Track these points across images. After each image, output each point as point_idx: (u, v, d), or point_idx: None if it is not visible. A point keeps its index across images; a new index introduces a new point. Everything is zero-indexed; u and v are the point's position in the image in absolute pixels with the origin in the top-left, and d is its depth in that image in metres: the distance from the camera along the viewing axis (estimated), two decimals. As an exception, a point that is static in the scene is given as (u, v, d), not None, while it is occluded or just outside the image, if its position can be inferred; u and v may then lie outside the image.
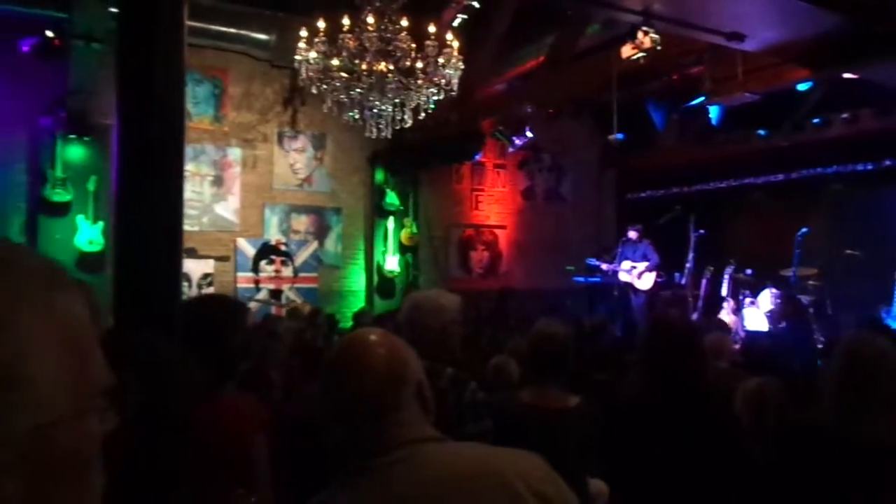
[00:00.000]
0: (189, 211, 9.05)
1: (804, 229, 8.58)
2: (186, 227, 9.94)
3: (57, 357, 0.47)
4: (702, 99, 7.16)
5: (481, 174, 11.51)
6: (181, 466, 1.47)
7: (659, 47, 4.73)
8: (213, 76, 9.24)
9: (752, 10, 4.41)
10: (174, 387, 1.33)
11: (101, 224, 8.02)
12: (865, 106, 8.23)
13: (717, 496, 2.44)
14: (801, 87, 8.00)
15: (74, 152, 8.12)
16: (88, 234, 8.02)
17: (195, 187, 9.00)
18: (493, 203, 11.64)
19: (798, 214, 9.27)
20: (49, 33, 6.80)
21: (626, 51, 4.91)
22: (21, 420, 0.44)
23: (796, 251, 8.55)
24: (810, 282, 8.70)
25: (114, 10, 6.00)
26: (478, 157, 10.27)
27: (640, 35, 4.69)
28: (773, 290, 8.78)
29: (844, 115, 8.51)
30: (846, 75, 6.72)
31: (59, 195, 7.97)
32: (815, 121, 8.80)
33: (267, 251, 9.44)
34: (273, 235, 9.61)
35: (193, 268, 8.88)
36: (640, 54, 4.81)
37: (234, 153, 9.45)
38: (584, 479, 2.88)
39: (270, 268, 9.42)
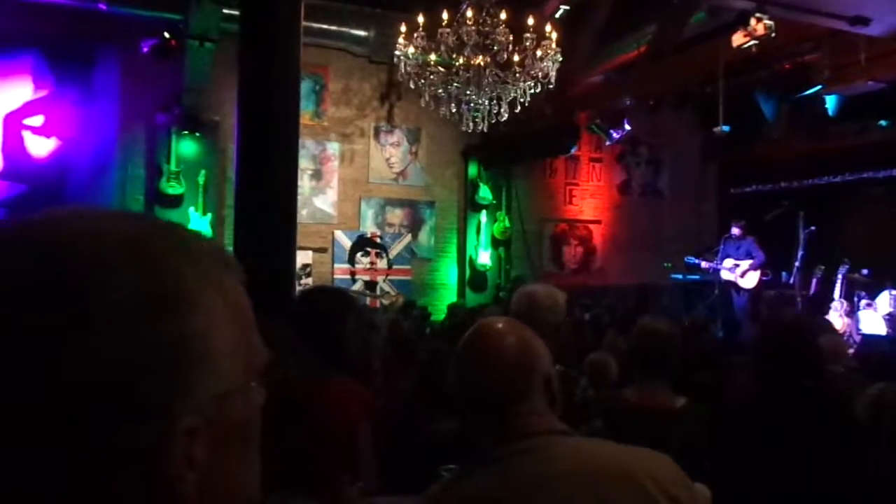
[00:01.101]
0: (291, 204, 9.42)
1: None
2: (288, 220, 10.27)
3: (231, 333, 0.51)
4: (819, 88, 6.72)
5: (576, 168, 11.32)
6: (301, 448, 1.53)
7: (773, 34, 4.48)
8: (314, 73, 9.52)
9: (879, -9, 4.10)
10: (296, 369, 1.39)
11: (209, 216, 8.46)
12: None
13: (834, 500, 2.30)
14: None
15: (187, 147, 8.60)
16: (198, 225, 8.47)
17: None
18: (588, 197, 11.43)
19: (922, 211, 8.57)
20: (166, 34, 7.21)
21: (738, 38, 4.68)
22: (209, 388, 0.49)
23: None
24: (936, 284, 8.06)
25: (227, 10, 6.31)
26: (573, 151, 10.10)
27: (752, 22, 4.46)
28: (893, 292, 8.20)
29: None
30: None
31: (173, 188, 8.46)
32: (946, 109, 8.09)
33: (363, 243, 9.68)
34: (368, 228, 9.83)
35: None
36: (753, 42, 4.57)
37: (333, 147, 9.72)
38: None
39: (366, 260, 9.65)
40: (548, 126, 8.84)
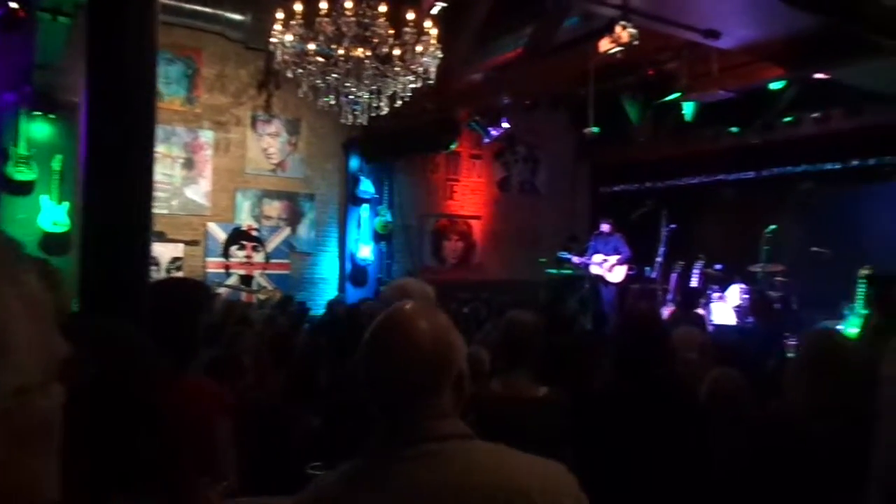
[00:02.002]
0: (159, 194, 8.89)
1: (772, 226, 8.74)
2: (156, 210, 9.76)
3: (28, 328, 0.50)
4: (677, 95, 7.22)
5: (457, 164, 11.50)
6: (147, 451, 1.44)
7: (636, 42, 4.75)
8: (186, 56, 9.07)
9: (728, 8, 4.44)
10: (130, 367, 1.30)
11: (66, 205, 7.84)
12: (836, 106, 8.37)
13: (681, 485, 2.47)
14: (774, 86, 8.11)
15: (39, 129, 7.91)
16: (53, 215, 7.84)
17: (165, 169, 8.85)
18: (469, 193, 11.64)
19: (767, 212, 9.41)
20: (13, 4, 6.57)
21: (604, 44, 4.92)
22: (5, 381, 0.48)
23: (764, 248, 8.70)
24: (777, 278, 8.86)
25: (83, -16, 5.84)
26: (453, 147, 10.24)
27: (617, 29, 4.70)
28: (742, 286, 8.93)
29: (815, 115, 8.65)
30: (818, 75, 6.83)
31: (23, 173, 7.77)
32: (787, 119, 8.93)
33: (238, 236, 9.33)
34: (245, 220, 9.49)
35: (162, 252, 8.74)
36: (618, 48, 4.82)
37: (207, 136, 9.30)
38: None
39: (241, 253, 9.32)
40: (429, 122, 8.90)
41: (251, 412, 3.32)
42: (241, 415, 3.18)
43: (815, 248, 8.66)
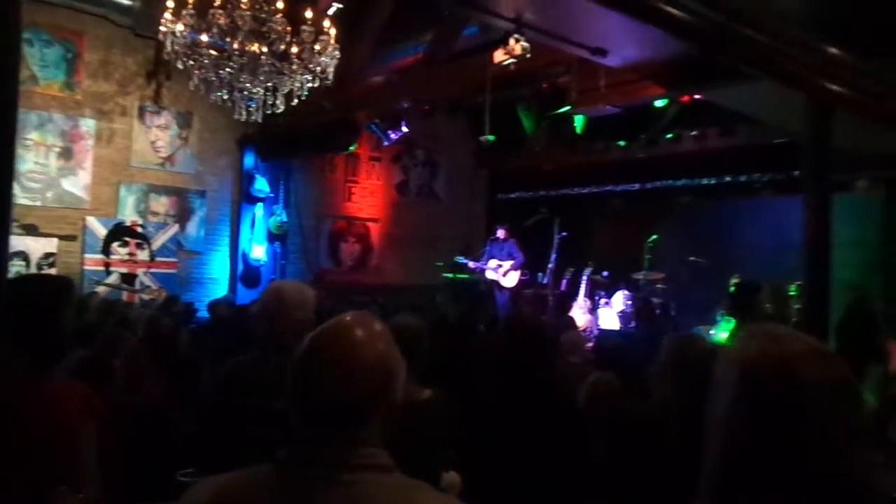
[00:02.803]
0: (30, 184, 8.30)
1: (654, 236, 9.26)
2: (26, 201, 9.12)
3: None
4: (567, 108, 7.52)
5: (356, 166, 11.43)
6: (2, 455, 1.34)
7: (529, 55, 4.91)
8: (66, 38, 8.51)
9: (614, 29, 4.68)
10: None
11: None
12: (712, 125, 8.98)
13: (558, 483, 2.57)
14: (659, 103, 8.60)
15: None
16: None
17: (38, 158, 8.28)
18: (367, 196, 11.59)
19: (651, 222, 9.96)
20: None
21: (499, 55, 5.06)
22: None
23: (646, 256, 9.20)
24: (658, 285, 9.39)
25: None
26: (353, 149, 10.17)
27: (511, 42, 4.84)
28: (626, 292, 9.41)
29: (694, 133, 9.24)
30: (695, 96, 7.31)
31: None
32: (669, 136, 9.49)
33: (120, 232, 8.84)
34: (129, 216, 9.01)
35: (33, 246, 8.16)
36: (511, 60, 4.96)
37: (88, 125, 8.76)
38: (437, 472, 2.94)
39: (124, 250, 8.83)
40: (328, 122, 8.80)
41: (124, 417, 3.16)
42: (112, 420, 3.03)
43: (692, 258, 9.25)
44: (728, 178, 9.58)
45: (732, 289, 8.24)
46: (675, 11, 3.07)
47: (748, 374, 1.04)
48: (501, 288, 9.79)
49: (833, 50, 4.17)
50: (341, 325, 1.20)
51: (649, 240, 9.27)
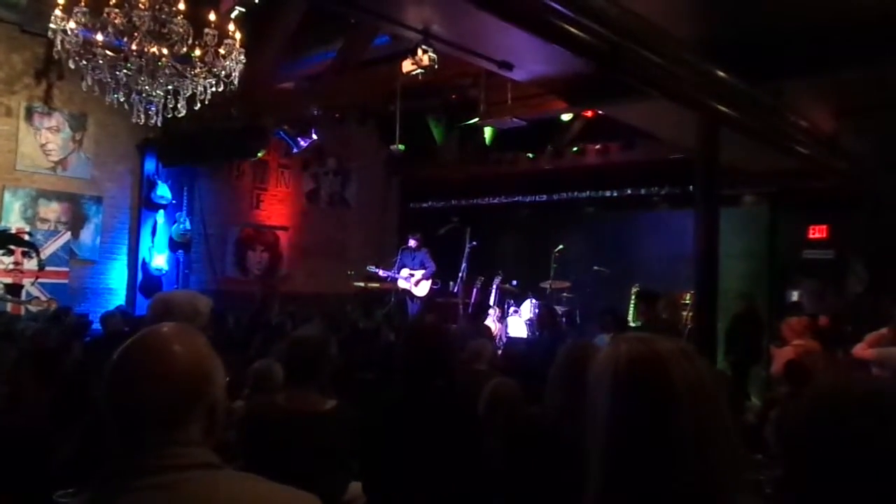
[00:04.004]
0: None
1: (559, 246, 9.55)
2: None
3: None
4: (476, 120, 7.66)
5: (264, 173, 11.18)
6: None
7: (436, 66, 4.97)
8: (-57, 33, 7.92)
9: (520, 44, 4.80)
10: None
11: None
12: (614, 140, 9.37)
13: (457, 488, 2.59)
14: (565, 117, 8.90)
15: None
16: None
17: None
18: (276, 203, 11.35)
19: (558, 233, 10.26)
20: None
21: (407, 65, 5.09)
22: None
23: (553, 266, 9.48)
24: (564, 294, 9.69)
25: None
26: (261, 155, 9.94)
27: (419, 52, 4.89)
28: (534, 301, 9.64)
29: (597, 147, 9.61)
30: (598, 111, 7.61)
31: None
32: (574, 149, 9.82)
33: (4, 240, 8.25)
34: (14, 223, 8.43)
35: None
36: (419, 70, 5.01)
37: (-33, 125, 8.17)
38: (340, 482, 2.91)
39: (8, 259, 8.24)
40: (235, 128, 8.56)
41: (8, 435, 2.97)
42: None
43: (596, 267, 9.60)
44: (629, 191, 10.02)
45: (634, 296, 8.62)
46: (571, 29, 3.19)
47: (620, 373, 1.10)
48: (413, 297, 9.82)
49: (720, 72, 4.45)
50: (153, 331, 1.21)
51: (555, 250, 9.55)
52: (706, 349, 4.86)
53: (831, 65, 4.67)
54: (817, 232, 9.03)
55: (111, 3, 5.15)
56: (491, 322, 9.33)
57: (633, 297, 8.82)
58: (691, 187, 5.80)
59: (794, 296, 8.71)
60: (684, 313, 7.75)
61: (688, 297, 7.77)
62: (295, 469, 2.36)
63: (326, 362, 2.78)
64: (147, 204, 9.55)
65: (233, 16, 5.33)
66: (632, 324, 8.15)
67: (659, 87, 4.03)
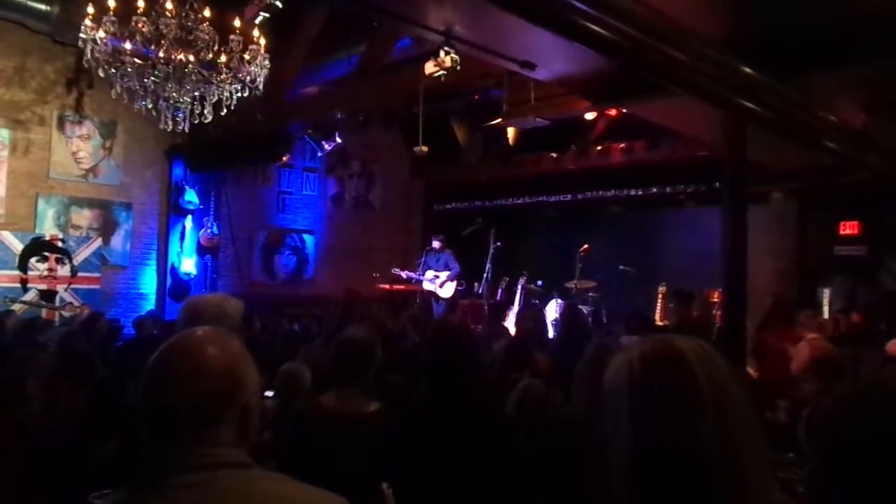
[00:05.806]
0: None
1: (584, 246, 9.49)
2: (-71, 215, 8.54)
3: None
4: (498, 120, 7.65)
5: (290, 176, 11.28)
6: None
7: (458, 68, 4.98)
8: (-23, 44, 8.13)
9: (542, 43, 4.79)
10: None
11: None
12: (639, 138, 9.28)
13: (488, 489, 2.59)
14: (589, 115, 8.83)
15: None
16: None
17: (-55, 169, 7.85)
18: (302, 207, 11.45)
19: (582, 232, 10.20)
20: None
21: (429, 67, 5.11)
22: None
23: (578, 265, 9.41)
24: (590, 294, 9.62)
25: None
26: (286, 159, 10.04)
27: (442, 54, 4.90)
28: (559, 301, 9.58)
29: (622, 146, 9.52)
30: (622, 110, 7.55)
31: None
32: (598, 148, 9.75)
33: (39, 247, 8.44)
34: (48, 230, 8.62)
35: (-63, 262, 7.73)
36: (442, 72, 5.02)
37: (1, 135, 8.37)
38: (379, 484, 2.91)
39: (43, 266, 8.43)
40: (260, 132, 8.66)
41: (36, 442, 3.03)
42: (23, 445, 2.89)
43: (622, 267, 9.52)
44: (654, 190, 9.92)
45: (661, 296, 8.53)
46: (594, 27, 3.17)
47: (641, 371, 1.09)
48: (438, 299, 9.83)
49: (745, 68, 4.39)
50: (188, 334, 1.23)
51: (580, 249, 9.49)
52: (736, 348, 4.80)
53: (860, 57, 4.58)
54: (848, 228, 8.86)
55: (139, 11, 5.25)
56: (510, 323, 9.29)
57: (659, 296, 8.74)
58: (718, 184, 5.73)
59: (826, 294, 8.56)
60: (716, 312, 7.65)
61: (716, 296, 7.67)
62: (340, 470, 2.38)
63: (372, 364, 2.79)
64: (175, 209, 9.69)
65: (257, 22, 5.38)
66: (659, 323, 8.07)
67: (683, 83, 3.99)
